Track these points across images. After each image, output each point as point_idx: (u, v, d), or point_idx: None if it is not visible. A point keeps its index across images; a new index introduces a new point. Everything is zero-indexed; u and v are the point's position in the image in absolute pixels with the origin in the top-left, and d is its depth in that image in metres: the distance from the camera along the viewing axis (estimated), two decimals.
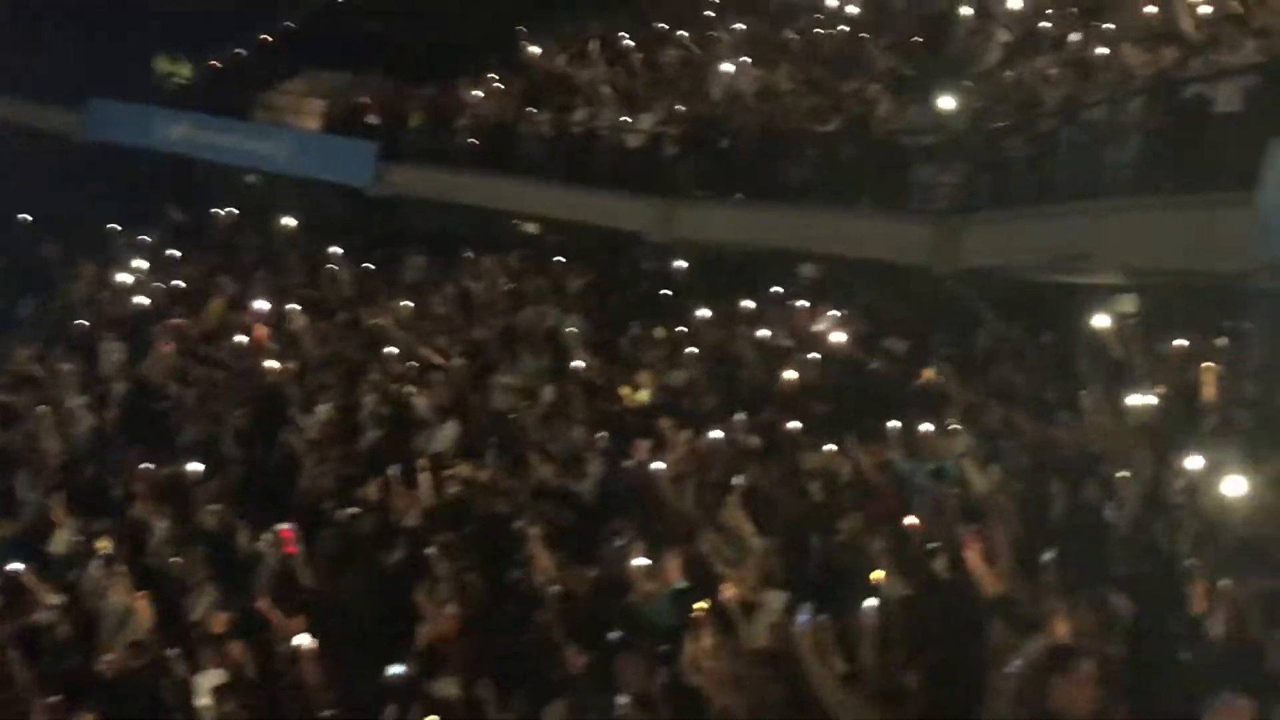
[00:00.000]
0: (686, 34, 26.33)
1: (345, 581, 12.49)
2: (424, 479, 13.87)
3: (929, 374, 15.13)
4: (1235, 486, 9.73)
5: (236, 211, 27.37)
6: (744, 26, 25.54)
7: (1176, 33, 15.74)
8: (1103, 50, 17.21)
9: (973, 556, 9.26)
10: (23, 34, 26.52)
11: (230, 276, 22.82)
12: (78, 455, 16.33)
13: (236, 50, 31.32)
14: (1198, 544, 9.31)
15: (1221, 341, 14.55)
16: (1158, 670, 7.57)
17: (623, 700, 8.46)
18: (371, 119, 26.97)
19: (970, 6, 21.81)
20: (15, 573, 12.33)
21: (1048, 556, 9.14)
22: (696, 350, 17.31)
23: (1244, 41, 14.01)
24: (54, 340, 20.24)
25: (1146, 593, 8.62)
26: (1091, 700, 6.23)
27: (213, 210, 27.41)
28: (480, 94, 26.72)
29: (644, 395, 16.38)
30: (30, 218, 25.79)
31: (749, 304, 18.81)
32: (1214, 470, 10.18)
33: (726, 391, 16.00)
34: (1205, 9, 15.99)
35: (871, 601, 8.64)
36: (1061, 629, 7.52)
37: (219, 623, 11.66)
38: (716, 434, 14.04)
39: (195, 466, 15.18)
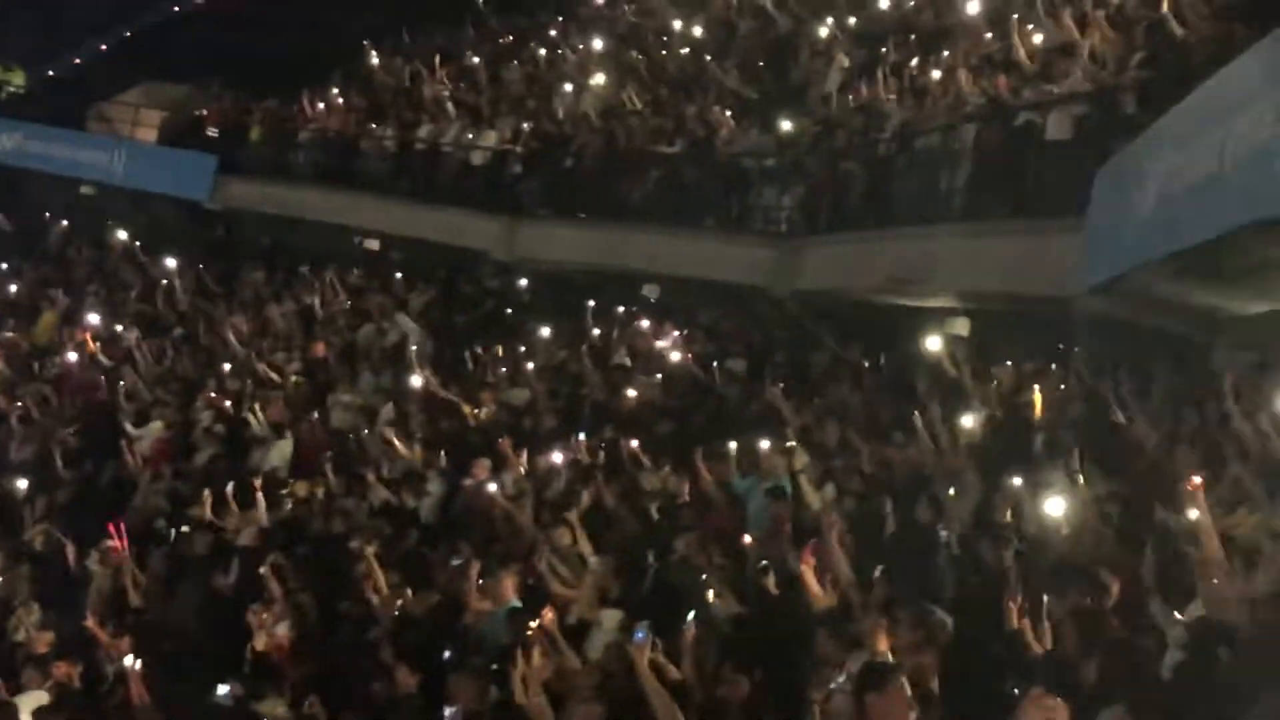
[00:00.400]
0: (533, 50, 26.39)
1: (176, 600, 12.29)
2: (259, 497, 13.71)
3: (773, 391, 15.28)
4: (1056, 506, 9.99)
5: (70, 224, 26.81)
6: (589, 46, 25.64)
7: (1011, 61, 16.12)
8: (939, 77, 17.56)
9: (806, 573, 9.39)
10: None
11: (63, 290, 22.35)
12: None
13: (73, 59, 30.72)
14: (1020, 562, 9.54)
15: (1050, 364, 14.91)
16: (975, 685, 7.74)
17: (450, 711, 8.47)
18: (211, 131, 26.59)
19: (814, 31, 22.11)
20: None
21: (877, 573, 9.30)
22: (538, 369, 17.33)
23: (1074, 71, 14.40)
24: None
25: (970, 610, 8.80)
26: (906, 716, 6.36)
27: (45, 222, 26.83)
28: (322, 107, 26.49)
29: (485, 414, 16.34)
30: None
31: (591, 323, 18.87)
32: (1040, 490, 10.43)
33: (567, 410, 16.02)
34: (1038, 37, 16.38)
35: (691, 616, 8.74)
36: (881, 645, 7.67)
37: (43, 642, 11.41)
38: (556, 453, 14.07)
39: (21, 484, 14.85)
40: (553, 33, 27.53)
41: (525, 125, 22.88)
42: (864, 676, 6.76)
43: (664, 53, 24.59)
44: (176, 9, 31.62)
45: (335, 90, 27.31)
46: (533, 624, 9.33)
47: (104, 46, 31.53)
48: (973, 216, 15.20)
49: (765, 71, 22.13)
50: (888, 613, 8.05)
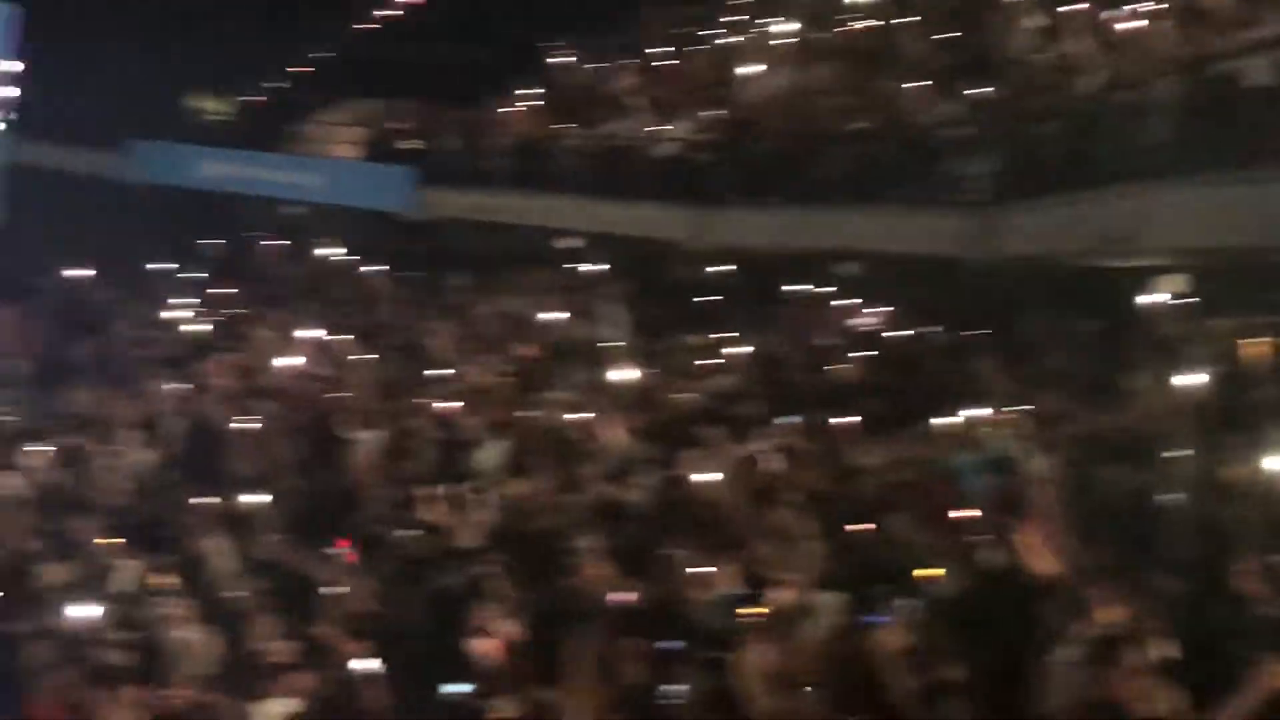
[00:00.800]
0: (716, 36, 26.35)
1: (404, 604, 12.55)
2: (477, 498, 13.94)
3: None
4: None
5: (279, 243, 27.60)
6: (771, 27, 25.49)
7: (1208, 8, 15.62)
8: (1137, 31, 17.07)
9: (1027, 545, 9.24)
10: (64, 80, 26.82)
11: (276, 307, 23.00)
12: (137, 493, 16.48)
13: (272, 84, 31.63)
14: (1248, 523, 9.27)
15: (1270, 318, 14.43)
16: (1205, 652, 7.54)
17: (671, 689, 8.54)
18: (407, 144, 27.15)
19: None
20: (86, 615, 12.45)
21: (1101, 542, 9.13)
22: (740, 354, 17.33)
23: (1272, 15, 13.92)
24: (108, 381, 20.45)
25: (1198, 575, 8.59)
26: (1143, 688, 6.23)
27: (256, 243, 27.66)
28: (512, 112, 26.83)
29: (692, 402, 16.38)
30: (80, 261, 26.12)
31: (791, 305, 18.80)
32: (1264, 449, 10.11)
33: (773, 394, 15.99)
34: None
35: (908, 598, 8.68)
36: (1108, 614, 7.51)
37: (281, 652, 11.73)
38: (765, 438, 14.05)
39: (253, 497, 15.29)
40: (734, 16, 27.44)
41: (711, 113, 22.87)
42: (1093, 648, 6.65)
43: (847, 26, 24.31)
44: (368, 26, 32.31)
45: (523, 94, 27.63)
46: (751, 610, 9.34)
47: (298, 69, 32.39)
48: (1181, 171, 14.77)
49: (954, 37, 21.74)
50: (1113, 581, 7.89)
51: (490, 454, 15.87)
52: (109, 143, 28.66)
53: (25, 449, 18.44)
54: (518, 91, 27.74)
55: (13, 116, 26.54)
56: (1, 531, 16.57)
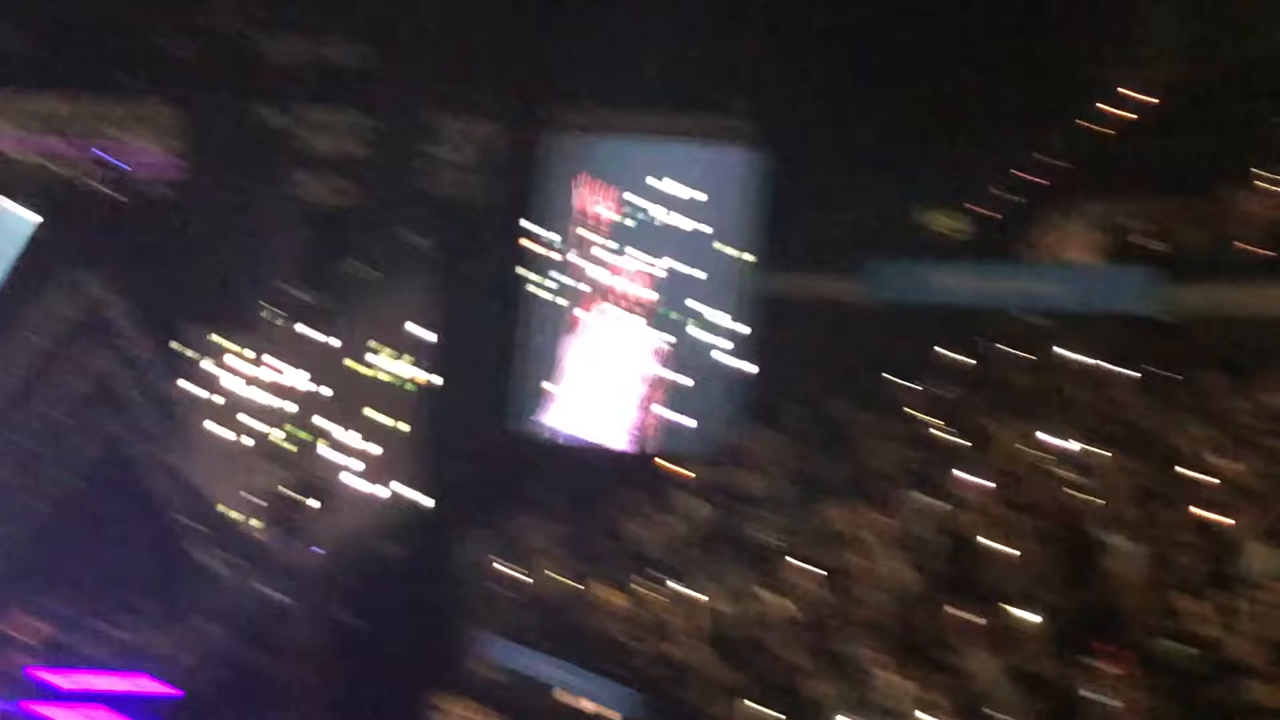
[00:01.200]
0: None
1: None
2: (1252, 608, 13.28)
3: None
4: None
5: (1018, 353, 27.63)
6: None
7: None
8: None
9: None
10: (801, 208, 28.40)
11: (1023, 417, 23.00)
12: (899, 609, 16.91)
13: (1003, 193, 31.88)
14: None
15: None
16: None
17: None
18: (1147, 242, 26.51)
19: None
20: None
21: None
22: None
23: None
24: (863, 497, 21.20)
25: None
26: None
27: (998, 354, 27.84)
28: (1256, 198, 25.59)
29: None
30: (826, 383, 27.39)
31: None
32: None
33: None
34: None
35: None
36: None
37: None
38: None
39: (1016, 611, 15.28)
40: None
41: None
42: None
43: None
44: (1096, 127, 31.97)
45: (1266, 177, 26.29)
46: None
47: (1028, 176, 32.40)
48: None
49: None
50: None
51: (1262, 560, 15.08)
52: (847, 266, 29.78)
53: (788, 568, 19.51)
54: (1260, 176, 26.40)
55: (759, 250, 28.51)
56: (772, 650, 17.58)
